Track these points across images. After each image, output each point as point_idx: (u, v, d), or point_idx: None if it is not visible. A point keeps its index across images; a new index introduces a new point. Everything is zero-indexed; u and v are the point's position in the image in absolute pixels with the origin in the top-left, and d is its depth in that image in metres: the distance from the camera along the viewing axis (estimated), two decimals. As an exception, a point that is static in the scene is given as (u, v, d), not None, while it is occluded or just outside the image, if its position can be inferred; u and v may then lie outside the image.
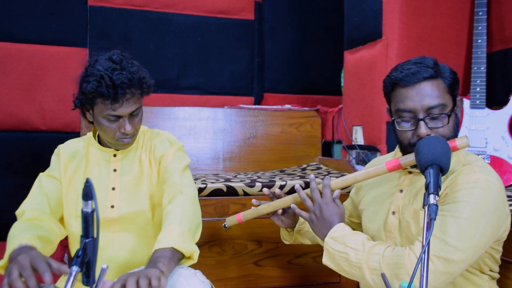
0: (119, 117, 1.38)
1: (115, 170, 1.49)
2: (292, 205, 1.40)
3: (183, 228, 1.27)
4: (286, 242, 1.62)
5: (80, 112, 1.47)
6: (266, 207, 1.48)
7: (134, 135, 1.46)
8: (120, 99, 1.34)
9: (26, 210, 1.39)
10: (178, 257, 1.21)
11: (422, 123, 1.20)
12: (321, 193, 1.32)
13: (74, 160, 1.50)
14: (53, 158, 1.52)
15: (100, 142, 1.52)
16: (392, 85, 1.26)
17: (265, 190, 1.49)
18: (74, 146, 1.53)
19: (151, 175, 1.49)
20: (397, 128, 1.26)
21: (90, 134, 1.55)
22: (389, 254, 1.15)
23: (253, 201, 1.52)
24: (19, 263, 1.08)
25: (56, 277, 1.22)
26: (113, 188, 1.48)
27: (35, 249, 1.18)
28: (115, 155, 1.50)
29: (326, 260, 1.26)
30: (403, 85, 1.23)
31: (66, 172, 1.48)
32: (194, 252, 1.25)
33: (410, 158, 1.22)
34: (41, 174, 1.49)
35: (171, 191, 1.40)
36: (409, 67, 1.23)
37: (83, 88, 1.36)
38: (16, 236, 1.27)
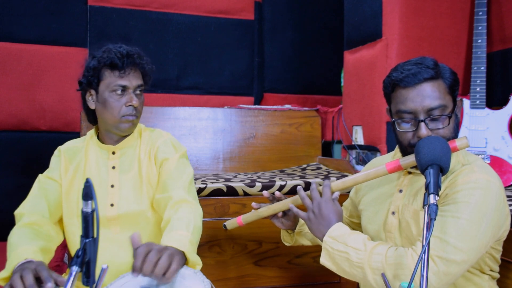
0: (125, 89, 1.43)
1: (113, 168, 1.49)
2: (290, 205, 1.40)
3: (193, 238, 1.28)
4: (287, 244, 1.62)
5: (82, 103, 1.50)
6: (266, 210, 1.48)
7: (137, 117, 1.49)
8: (127, 67, 1.42)
9: (25, 213, 1.40)
10: (183, 262, 1.22)
11: (422, 124, 1.20)
12: (320, 193, 1.32)
13: (74, 160, 1.51)
14: (53, 160, 1.52)
15: (99, 139, 1.53)
16: (393, 85, 1.26)
17: (265, 192, 1.48)
18: (74, 146, 1.54)
19: (150, 175, 1.49)
20: (397, 129, 1.26)
21: (90, 132, 1.55)
22: (392, 255, 1.14)
23: (253, 204, 1.52)
24: (21, 271, 1.11)
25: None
26: (112, 186, 1.48)
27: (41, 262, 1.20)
28: (113, 153, 1.51)
29: (324, 260, 1.25)
30: (403, 86, 1.22)
31: (66, 173, 1.49)
32: (197, 264, 1.26)
33: (411, 159, 1.22)
34: (40, 175, 1.50)
35: (180, 202, 1.40)
36: (409, 67, 1.23)
37: (90, 65, 1.43)
38: (19, 246, 1.27)
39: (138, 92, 1.47)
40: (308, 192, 1.35)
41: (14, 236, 1.34)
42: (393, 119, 1.27)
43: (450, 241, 1.09)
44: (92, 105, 1.47)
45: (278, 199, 1.49)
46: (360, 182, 1.34)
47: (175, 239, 1.24)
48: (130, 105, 1.43)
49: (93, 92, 1.46)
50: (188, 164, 1.53)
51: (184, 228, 1.29)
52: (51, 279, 1.09)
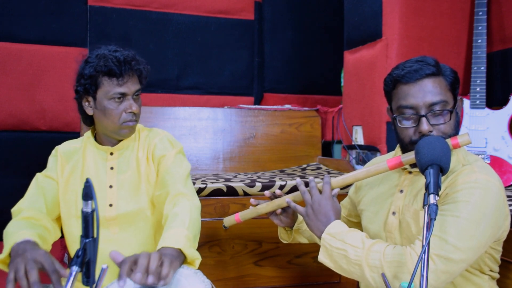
0: (124, 96, 1.42)
1: (112, 168, 1.49)
2: (287, 200, 1.39)
3: (189, 233, 1.28)
4: (284, 241, 1.62)
5: (78, 107, 1.49)
6: (265, 207, 1.48)
7: (137, 121, 1.49)
8: (125, 74, 1.41)
9: (23, 208, 1.40)
10: (181, 259, 1.22)
11: (424, 119, 1.20)
12: (320, 191, 1.32)
13: (71, 161, 1.51)
14: (50, 159, 1.53)
15: (96, 140, 1.53)
16: (394, 82, 1.26)
17: (266, 192, 1.49)
18: (71, 147, 1.54)
19: (148, 174, 1.49)
20: (399, 125, 1.26)
21: (87, 134, 1.55)
22: (390, 252, 1.14)
23: (251, 200, 1.51)
24: (25, 258, 1.10)
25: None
26: (111, 186, 1.48)
27: (41, 248, 1.19)
28: (111, 153, 1.51)
29: (322, 257, 1.25)
30: (405, 82, 1.23)
31: (63, 172, 1.49)
32: (196, 259, 1.25)
33: (411, 155, 1.21)
34: (38, 174, 1.50)
35: (177, 196, 1.40)
36: (410, 64, 1.24)
37: (86, 73, 1.41)
38: (15, 233, 1.26)
39: (135, 96, 1.47)
40: (308, 188, 1.35)
41: (11, 226, 1.33)
42: (394, 116, 1.27)
43: (449, 240, 1.09)
44: (90, 111, 1.47)
45: (279, 197, 1.48)
46: (361, 178, 1.34)
47: (170, 238, 1.23)
48: (130, 112, 1.44)
49: (90, 99, 1.45)
50: (185, 160, 1.53)
51: (180, 224, 1.29)
52: (56, 272, 1.08)
